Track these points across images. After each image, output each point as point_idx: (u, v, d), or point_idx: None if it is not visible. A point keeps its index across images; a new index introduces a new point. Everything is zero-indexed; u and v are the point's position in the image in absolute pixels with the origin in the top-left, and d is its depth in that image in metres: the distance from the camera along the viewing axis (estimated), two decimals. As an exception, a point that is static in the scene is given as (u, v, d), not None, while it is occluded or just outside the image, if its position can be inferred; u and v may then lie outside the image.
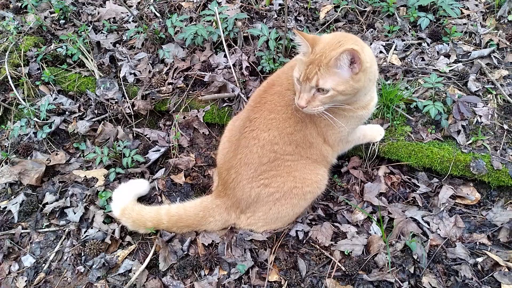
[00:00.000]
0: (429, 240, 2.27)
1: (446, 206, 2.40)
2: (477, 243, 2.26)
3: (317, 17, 3.35)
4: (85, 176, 2.85)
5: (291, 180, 2.24)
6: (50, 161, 2.91)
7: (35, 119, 3.01)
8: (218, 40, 3.17)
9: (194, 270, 2.31)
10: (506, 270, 2.11)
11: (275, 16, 3.34)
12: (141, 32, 3.29)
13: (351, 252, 2.27)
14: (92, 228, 2.55)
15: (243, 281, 2.24)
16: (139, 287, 2.27)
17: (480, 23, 3.09)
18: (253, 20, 3.34)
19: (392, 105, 2.63)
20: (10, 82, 3.12)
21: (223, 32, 3.08)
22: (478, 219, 2.38)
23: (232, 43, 3.17)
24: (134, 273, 2.32)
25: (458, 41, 3.00)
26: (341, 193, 2.59)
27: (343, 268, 2.21)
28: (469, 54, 2.91)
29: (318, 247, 2.33)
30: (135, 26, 3.44)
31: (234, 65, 3.03)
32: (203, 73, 3.02)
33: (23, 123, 3.03)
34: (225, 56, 3.10)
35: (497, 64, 2.83)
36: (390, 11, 3.21)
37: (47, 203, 2.71)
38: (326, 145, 2.32)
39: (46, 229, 2.62)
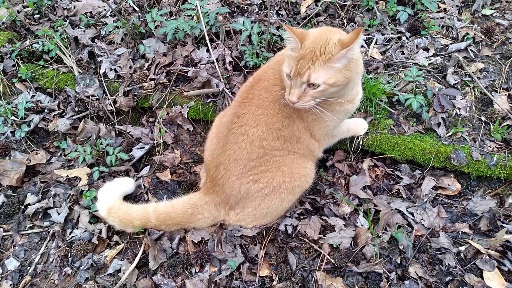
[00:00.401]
0: (414, 230, 2.34)
1: (429, 197, 2.47)
2: (460, 232, 2.34)
3: (298, 11, 3.36)
4: (68, 176, 2.79)
5: (280, 175, 2.26)
6: (30, 160, 2.84)
7: (13, 117, 2.92)
8: (200, 35, 3.14)
9: (185, 268, 2.31)
10: (487, 257, 2.20)
11: (257, 10, 3.33)
12: (120, 27, 3.22)
13: (339, 244, 2.32)
14: (77, 228, 2.51)
15: (234, 277, 2.26)
16: (130, 287, 2.25)
17: (457, 17, 3.17)
18: (234, 14, 3.33)
19: (375, 99, 2.68)
20: (-16, 79, 3.02)
21: (205, 27, 3.06)
22: (460, 209, 2.47)
23: (214, 38, 3.15)
24: (123, 273, 2.30)
25: (436, 35, 3.08)
26: (327, 186, 2.63)
27: (332, 261, 2.25)
28: (446, 48, 2.98)
29: (307, 240, 2.36)
30: (114, 20, 3.37)
31: (217, 60, 3.02)
32: (185, 68, 2.99)
33: (0, 122, 2.93)
34: (207, 51, 3.08)
35: (473, 57, 2.91)
36: (369, 5, 3.25)
37: (29, 204, 2.65)
38: (312, 139, 2.35)
39: (30, 231, 2.56)
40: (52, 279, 2.35)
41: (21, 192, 2.72)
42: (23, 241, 2.53)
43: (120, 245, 2.44)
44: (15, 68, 3.15)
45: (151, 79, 3.01)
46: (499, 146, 2.53)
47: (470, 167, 2.51)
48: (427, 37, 3.05)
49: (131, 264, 2.32)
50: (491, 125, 2.60)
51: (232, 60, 3.00)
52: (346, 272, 2.23)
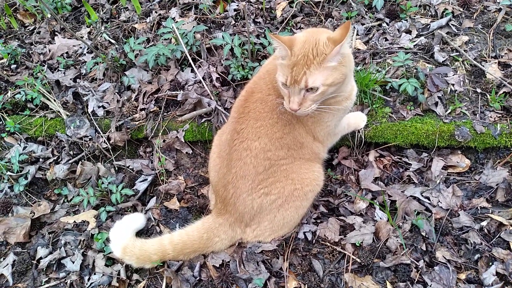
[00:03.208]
0: (433, 214, 2.32)
1: (441, 178, 2.45)
2: (478, 207, 2.32)
3: (274, 16, 3.34)
4: (75, 221, 2.72)
5: (290, 183, 2.23)
6: (34, 213, 2.77)
7: (8, 173, 2.85)
8: (182, 56, 3.10)
9: (211, 294, 2.26)
10: (511, 228, 2.18)
11: (233, 22, 3.31)
12: (100, 62, 3.18)
13: (362, 242, 2.28)
14: (95, 274, 2.44)
15: (262, 295, 2.22)
16: (159, 324, 2.20)
17: (430, -7, 3.18)
18: (211, 30, 3.30)
19: (368, 89, 2.66)
20: (-28, 140, 2.95)
21: (185, 47, 3.03)
22: (473, 184, 2.45)
23: (196, 57, 3.12)
24: (150, 311, 2.24)
25: (415, 16, 3.07)
26: (338, 185, 2.60)
27: (358, 260, 2.22)
28: (428, 27, 2.98)
29: (329, 244, 2.33)
30: (92, 57, 3.32)
31: (203, 78, 2.98)
32: (173, 92, 2.95)
33: (-5, 180, 2.87)
34: (192, 71, 3.05)
35: (456, 31, 2.91)
36: (343, -2, 3.24)
37: (41, 258, 2.57)
38: (316, 142, 2.32)
39: (46, 285, 2.49)
40: (78, 331, 2.29)
41: (31, 247, 2.65)
42: (41, 297, 2.46)
43: (141, 282, 2.38)
44: (1, 122, 3.08)
45: (141, 109, 2.96)
46: (500, 115, 2.52)
47: (475, 141, 2.50)
48: (407, 20, 3.05)
49: (157, 300, 2.27)
50: (488, 95, 2.60)
51: (218, 76, 2.97)
52: (374, 268, 2.19)
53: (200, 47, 3.11)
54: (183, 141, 2.87)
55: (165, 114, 2.96)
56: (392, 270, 2.17)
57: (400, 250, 2.21)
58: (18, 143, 3.03)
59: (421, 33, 2.98)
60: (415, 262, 2.16)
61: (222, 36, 2.98)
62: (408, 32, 2.99)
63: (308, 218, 2.43)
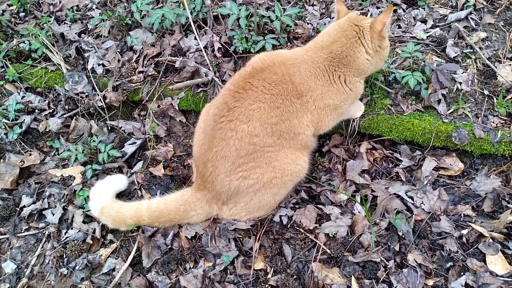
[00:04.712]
0: (413, 215, 2.25)
1: (429, 179, 2.36)
2: (462, 215, 2.23)
3: (288, -11, 3.21)
4: (62, 175, 2.76)
5: (271, 170, 2.17)
6: (24, 162, 2.82)
7: (4, 120, 2.90)
8: (188, 22, 3.03)
9: (179, 264, 2.27)
10: (491, 240, 2.09)
11: (245, -10, 3.19)
12: (106, 19, 3.14)
13: (336, 233, 2.24)
14: (72, 229, 2.49)
15: (228, 272, 2.21)
16: (124, 286, 2.23)
17: (456, -17, 2.98)
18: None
19: (370, 78, 2.55)
20: (-27, 83, 3.00)
21: (191, 13, 2.96)
22: (462, 190, 2.35)
23: (202, 24, 3.04)
24: (117, 271, 2.27)
25: (434, 5, 2.90)
26: (324, 173, 2.54)
27: (328, 251, 2.18)
28: (446, 18, 2.81)
29: (302, 230, 2.29)
30: (100, 13, 3.28)
31: (205, 47, 2.92)
32: (174, 58, 2.90)
33: (-8, 125, 2.92)
34: (196, 38, 2.98)
35: (474, 26, 2.74)
36: (363, -23, 3.08)
37: (24, 206, 2.63)
38: (312, 135, 2.27)
39: (26, 233, 2.55)
40: (48, 281, 2.35)
41: (17, 194, 2.72)
42: (19, 243, 2.53)
43: (114, 243, 2.41)
44: (3, 69, 3.11)
45: (140, 72, 2.94)
46: (503, 121, 2.38)
47: (472, 145, 2.38)
48: (424, 8, 2.88)
49: (125, 262, 2.29)
50: (495, 99, 2.46)
51: (221, 46, 2.90)
52: (342, 262, 2.16)
53: (207, 14, 3.03)
54: (177, 108, 2.84)
55: (163, 79, 2.92)
56: (360, 265, 2.13)
57: (372, 247, 2.15)
58: (17, 92, 3.05)
59: (437, 24, 2.82)
60: (385, 261, 2.10)
61: (230, 5, 2.89)
62: (424, 21, 2.83)
63: (287, 202, 2.39)
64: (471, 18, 2.78)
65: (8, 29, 3.28)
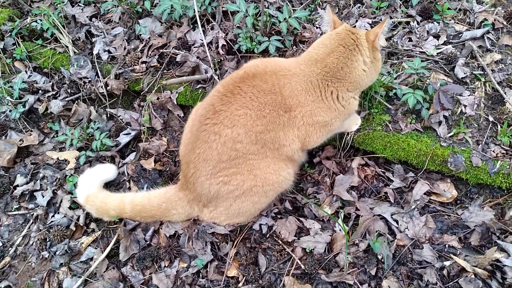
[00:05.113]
0: (395, 240, 2.17)
1: (418, 204, 2.27)
2: (447, 245, 2.14)
3: (303, -11, 3.12)
4: (58, 158, 2.81)
5: (252, 178, 2.14)
6: (23, 141, 2.88)
7: (8, 98, 2.96)
8: (195, 15, 2.99)
9: (155, 261, 2.28)
10: (473, 276, 2.01)
11: (258, -12, 3.12)
12: (116, 5, 3.13)
13: (313, 249, 2.19)
14: (58, 213, 2.53)
15: (201, 275, 2.21)
16: (99, 276, 2.26)
17: (479, -2, 2.82)
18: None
19: (370, 91, 2.46)
20: (-16, 58, 3.06)
21: (200, 7, 2.92)
22: (452, 219, 2.26)
23: (211, 19, 3.00)
24: (95, 261, 2.31)
25: (450, 20, 2.76)
26: (311, 184, 2.49)
27: (302, 266, 2.14)
28: (460, 35, 2.67)
29: (281, 242, 2.26)
30: (112, -2, 3.28)
31: (210, 43, 2.88)
32: (177, 51, 2.88)
33: (-2, 102, 2.99)
34: (203, 32, 2.94)
35: (489, 47, 2.59)
36: (381, -16, 2.95)
37: (17, 186, 2.70)
38: (300, 151, 2.22)
39: (16, 212, 2.62)
40: (29, 262, 2.41)
41: (12, 173, 2.78)
42: (9, 221, 2.59)
43: (97, 233, 2.44)
44: (15, 46, 3.16)
45: (143, 62, 2.93)
46: (505, 152, 2.26)
47: (468, 173, 2.27)
48: (439, 22, 2.74)
49: (103, 253, 2.32)
50: (499, 126, 2.33)
51: (225, 43, 2.85)
52: (316, 279, 2.11)
53: (216, 9, 2.99)
54: (175, 103, 2.82)
55: (165, 71, 2.91)
56: (333, 285, 2.08)
57: (348, 268, 2.10)
58: (25, 70, 3.10)
59: (450, 40, 2.68)
60: (359, 284, 2.05)
61: (238, 2, 2.83)
62: (437, 37, 2.70)
63: (268, 211, 2.35)
64: (488, 37, 2.63)
65: (25, 6, 3.32)
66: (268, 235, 2.30)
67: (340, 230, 2.24)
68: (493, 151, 2.27)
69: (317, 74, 2.08)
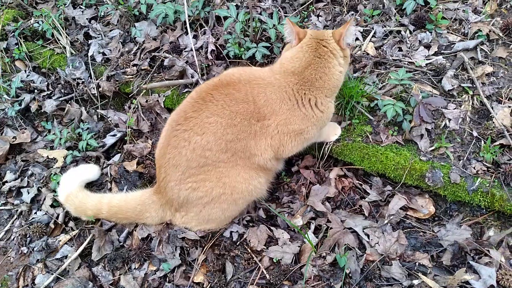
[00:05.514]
0: (365, 254, 2.11)
1: (391, 219, 2.21)
2: (418, 263, 2.07)
3: (297, -4, 3.09)
4: (47, 156, 2.88)
5: (220, 186, 2.13)
6: (16, 138, 2.97)
7: (5, 96, 3.06)
8: (190, 19, 3.02)
9: (126, 263, 2.30)
10: (439, 297, 1.93)
11: (253, -6, 3.11)
12: (116, 8, 3.19)
13: (280, 259, 2.16)
14: (40, 210, 2.59)
15: (168, 279, 2.22)
16: (71, 274, 2.30)
17: (476, 8, 2.72)
18: (230, -2, 3.14)
19: (352, 101, 2.41)
20: (-14, 57, 3.18)
21: (194, 12, 2.94)
22: (428, 236, 2.18)
23: (203, 24, 3.02)
24: (68, 259, 2.35)
25: (444, 30, 2.67)
26: (287, 193, 2.46)
27: (267, 276, 2.12)
28: (452, 46, 2.58)
29: (249, 250, 2.24)
30: (111, 1, 3.34)
31: (201, 47, 2.90)
32: (167, 55, 2.91)
33: (-3, 100, 3.09)
34: (194, 37, 2.96)
35: (482, 59, 2.49)
36: (376, -9, 2.89)
37: (6, 181, 2.78)
38: (273, 160, 2.20)
39: (2, 207, 2.70)
40: (9, 257, 2.47)
41: (3, 169, 2.87)
42: (-6, 216, 2.68)
43: (74, 231, 2.49)
44: (17, 46, 3.26)
45: (134, 65, 2.97)
46: (486, 169, 2.17)
47: (446, 189, 2.19)
48: (431, 32, 2.66)
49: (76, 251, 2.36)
50: (483, 142, 2.24)
51: (214, 48, 2.86)
52: (279, 290, 2.08)
53: (209, 14, 3.00)
54: (163, 106, 2.85)
55: (155, 75, 2.94)
56: (296, 298, 2.05)
57: (312, 280, 2.06)
58: (25, 70, 3.20)
59: (442, 51, 2.59)
60: (321, 298, 2.01)
61: (228, 7, 2.83)
62: (428, 47, 2.62)
63: (240, 218, 2.34)
64: (481, 49, 2.53)
65: (30, 7, 3.43)
66: (238, 242, 2.28)
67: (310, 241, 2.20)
68: (474, 168, 2.18)
69: (294, 84, 2.07)
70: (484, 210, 2.18)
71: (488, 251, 2.02)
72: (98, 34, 3.21)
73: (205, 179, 2.13)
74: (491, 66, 2.46)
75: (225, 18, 2.98)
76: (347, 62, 2.14)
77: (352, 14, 2.89)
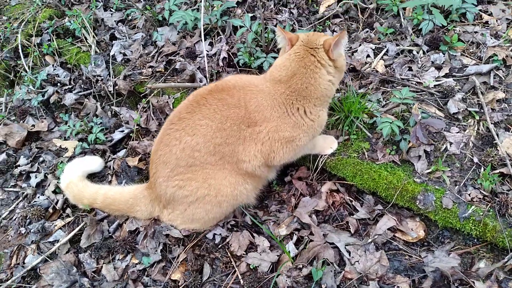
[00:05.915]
0: (343, 271, 2.04)
1: (375, 238, 2.13)
2: (397, 286, 1.97)
3: (315, 10, 3.10)
4: (60, 146, 3.02)
5: (206, 187, 2.15)
6: (34, 127, 3.13)
7: (30, 86, 3.25)
8: (208, 27, 3.11)
9: (111, 253, 2.35)
10: (413, 324, 1.83)
11: (272, 6, 3.16)
12: (141, 13, 3.34)
13: (257, 266, 2.13)
14: (43, 195, 2.71)
15: (146, 273, 2.24)
16: (58, 258, 2.37)
17: (497, 32, 2.62)
18: (251, 7, 3.21)
19: (351, 116, 2.37)
20: (20, 50, 3.41)
21: (212, 20, 3.03)
22: (413, 260, 2.08)
23: (220, 32, 3.09)
24: (58, 243, 2.43)
25: (458, 52, 2.58)
26: (276, 202, 2.43)
27: (241, 282, 2.09)
28: (465, 69, 2.49)
29: (229, 254, 2.23)
30: (137, 7, 3.49)
31: (214, 54, 2.97)
32: (182, 59, 3.00)
33: (24, 90, 3.29)
34: (210, 44, 3.04)
35: (495, 84, 2.39)
36: (393, 10, 2.85)
37: (19, 165, 2.94)
38: (263, 167, 2.20)
39: (11, 189, 2.85)
40: (8, 235, 2.59)
41: (18, 154, 3.04)
42: (3, 196, 2.82)
43: (69, 218, 2.58)
44: (50, 42, 3.48)
45: (150, 67, 3.08)
46: (482, 197, 2.05)
47: (437, 214, 2.09)
48: (444, 54, 2.58)
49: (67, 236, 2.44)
50: (483, 169, 2.12)
51: (226, 56, 2.92)
52: (251, 297, 2.05)
53: (226, 23, 3.07)
54: (172, 107, 2.92)
55: (168, 77, 3.03)
56: (266, 307, 2.01)
57: (283, 291, 2.01)
58: (52, 64, 3.40)
59: (454, 73, 2.50)
60: (291, 311, 1.96)
61: (244, 18, 2.89)
62: (439, 68, 2.54)
63: (225, 222, 2.33)
64: (495, 74, 2.42)
65: (66, 7, 3.65)
66: (220, 245, 2.28)
67: (289, 251, 2.16)
68: (469, 195, 2.07)
69: (282, 93, 2.07)
70: (476, 240, 2.05)
71: (474, 282, 1.90)
72: (123, 36, 3.37)
73: (191, 179, 2.16)
74: (504, 92, 2.35)
75: (240, 27, 3.07)
76: (339, 72, 2.10)
77: (367, 31, 2.87)
